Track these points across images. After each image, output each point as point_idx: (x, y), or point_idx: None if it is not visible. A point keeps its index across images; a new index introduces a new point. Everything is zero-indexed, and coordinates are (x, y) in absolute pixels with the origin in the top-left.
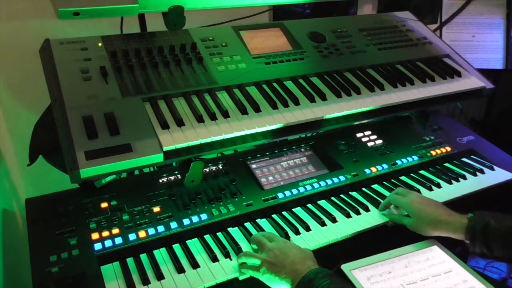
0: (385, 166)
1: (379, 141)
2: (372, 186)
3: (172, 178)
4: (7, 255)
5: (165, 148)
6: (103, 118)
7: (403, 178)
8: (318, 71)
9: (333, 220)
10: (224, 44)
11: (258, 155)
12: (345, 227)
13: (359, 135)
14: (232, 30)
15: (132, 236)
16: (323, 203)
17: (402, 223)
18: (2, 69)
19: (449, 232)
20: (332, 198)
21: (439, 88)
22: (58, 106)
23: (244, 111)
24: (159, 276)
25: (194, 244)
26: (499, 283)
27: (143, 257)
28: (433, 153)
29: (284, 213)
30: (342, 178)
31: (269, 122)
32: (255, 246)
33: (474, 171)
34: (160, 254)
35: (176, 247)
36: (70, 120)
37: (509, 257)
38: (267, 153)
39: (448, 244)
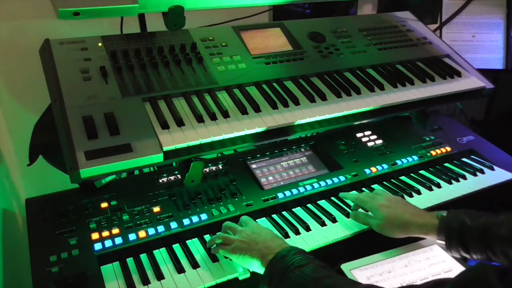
0: (385, 166)
1: (379, 141)
2: (372, 186)
3: (172, 178)
4: (7, 255)
5: (165, 148)
6: (103, 118)
7: (403, 178)
8: (318, 71)
9: (333, 220)
10: (224, 44)
11: (258, 155)
12: (345, 227)
13: (359, 135)
14: (232, 30)
15: (132, 236)
16: (323, 203)
17: (368, 225)
18: (2, 69)
19: (421, 234)
20: (332, 198)
21: (439, 88)
22: (58, 106)
23: (244, 111)
24: (159, 276)
25: (194, 244)
26: None
27: (143, 257)
28: (433, 153)
29: (284, 213)
30: (342, 178)
31: (269, 122)
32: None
33: (474, 171)
34: (160, 254)
35: (176, 247)
36: (70, 120)
37: (487, 258)
38: (267, 153)
39: None
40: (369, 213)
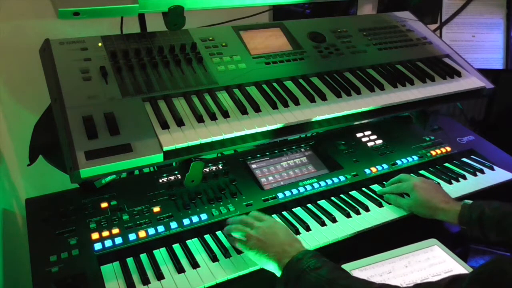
0: (385, 166)
1: (379, 141)
2: (372, 186)
3: (172, 178)
4: (7, 255)
5: (165, 148)
6: (103, 118)
7: None
8: (318, 71)
9: (333, 220)
10: (224, 44)
11: (258, 155)
12: (345, 227)
13: (359, 135)
14: (232, 30)
15: (132, 236)
16: (323, 203)
17: (400, 205)
18: (2, 69)
19: (444, 219)
20: (332, 198)
21: (439, 88)
22: (58, 106)
23: (244, 111)
24: (159, 276)
25: (194, 244)
26: None
27: (143, 257)
28: (433, 153)
29: (284, 213)
30: (342, 178)
31: (269, 122)
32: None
33: (474, 171)
34: (160, 254)
35: (176, 247)
36: (70, 120)
37: (503, 242)
38: (267, 153)
39: (449, 244)
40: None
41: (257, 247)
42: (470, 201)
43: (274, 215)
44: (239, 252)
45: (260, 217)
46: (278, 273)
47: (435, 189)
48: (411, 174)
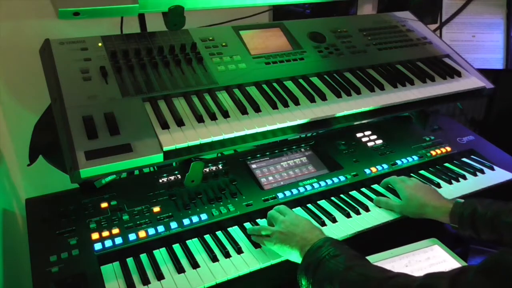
0: (385, 166)
1: (379, 141)
2: (372, 186)
3: (172, 178)
4: (7, 255)
5: (165, 148)
6: (103, 118)
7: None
8: (318, 71)
9: (333, 220)
10: (224, 44)
11: (258, 155)
12: (345, 227)
13: (359, 135)
14: (232, 30)
15: (132, 236)
16: (323, 203)
17: (390, 207)
18: (2, 69)
19: (435, 216)
20: (332, 198)
21: (439, 88)
22: (58, 106)
23: (244, 111)
24: (159, 276)
25: (194, 244)
26: None
27: (143, 257)
28: (433, 153)
29: None
30: (342, 178)
31: (268, 122)
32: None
33: (474, 171)
34: (160, 254)
35: (176, 247)
36: (70, 120)
37: (495, 239)
38: (267, 153)
39: (449, 244)
40: (390, 199)
41: (280, 240)
42: (462, 200)
43: None
44: (239, 252)
45: (283, 211)
46: (300, 260)
47: (427, 189)
48: (411, 174)
